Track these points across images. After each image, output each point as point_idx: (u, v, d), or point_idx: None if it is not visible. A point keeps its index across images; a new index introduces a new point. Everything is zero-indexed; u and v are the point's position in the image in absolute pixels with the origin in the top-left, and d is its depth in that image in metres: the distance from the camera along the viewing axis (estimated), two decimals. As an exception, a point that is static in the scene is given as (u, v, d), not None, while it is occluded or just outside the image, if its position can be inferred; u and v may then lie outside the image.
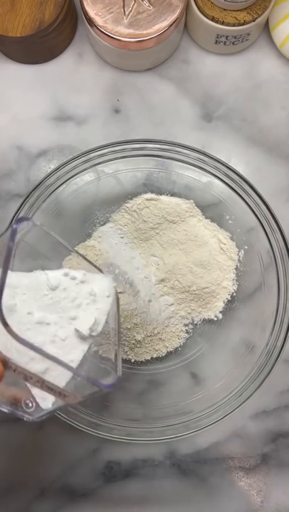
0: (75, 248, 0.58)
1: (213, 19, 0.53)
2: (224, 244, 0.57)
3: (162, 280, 0.57)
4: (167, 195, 0.58)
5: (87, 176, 0.56)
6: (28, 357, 0.36)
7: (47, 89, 0.61)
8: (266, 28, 0.59)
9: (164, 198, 0.57)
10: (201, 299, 0.57)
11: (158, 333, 0.57)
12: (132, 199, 0.58)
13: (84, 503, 0.60)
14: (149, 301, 0.57)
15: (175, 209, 0.57)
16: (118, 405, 0.56)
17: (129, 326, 0.55)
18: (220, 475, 0.60)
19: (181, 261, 0.57)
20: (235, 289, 0.57)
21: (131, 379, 0.58)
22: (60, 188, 0.55)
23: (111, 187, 0.58)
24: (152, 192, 0.58)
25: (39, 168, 0.61)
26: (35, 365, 0.36)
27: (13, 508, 0.60)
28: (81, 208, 0.58)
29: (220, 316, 0.58)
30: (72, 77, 0.61)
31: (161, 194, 0.58)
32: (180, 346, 0.58)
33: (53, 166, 0.61)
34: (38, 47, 0.57)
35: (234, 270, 0.57)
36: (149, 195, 0.57)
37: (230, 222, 0.57)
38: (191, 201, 0.57)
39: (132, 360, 0.57)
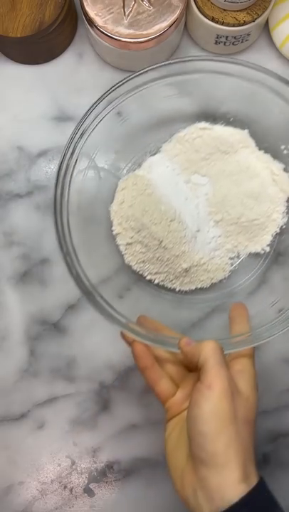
0: (125, 177, 0.58)
1: (213, 19, 0.53)
2: (277, 175, 0.56)
3: (211, 211, 0.57)
4: (221, 124, 0.57)
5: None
6: None
7: (47, 90, 0.61)
8: (266, 28, 0.59)
9: (217, 127, 0.56)
10: (249, 232, 0.56)
11: (204, 263, 0.56)
12: (184, 128, 0.57)
13: (84, 503, 0.60)
14: (197, 231, 0.56)
15: (228, 139, 0.56)
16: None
17: (177, 253, 0.55)
18: (220, 475, 0.60)
19: (232, 192, 0.56)
20: (285, 221, 0.57)
21: (180, 307, 0.58)
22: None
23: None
24: (206, 121, 0.57)
25: (39, 168, 0.61)
26: None
27: (13, 508, 0.60)
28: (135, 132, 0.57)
29: (267, 249, 0.57)
30: (73, 77, 0.61)
31: (215, 123, 0.57)
32: (224, 278, 0.58)
33: (53, 166, 0.61)
34: (38, 47, 0.57)
35: (285, 203, 0.56)
36: (202, 124, 0.56)
37: (285, 152, 0.56)
38: (246, 131, 0.56)
39: (177, 289, 0.57)
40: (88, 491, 0.60)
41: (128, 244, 0.56)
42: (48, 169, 0.61)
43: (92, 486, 0.60)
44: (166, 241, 0.54)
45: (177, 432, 0.43)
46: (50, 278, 0.59)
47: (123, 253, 0.57)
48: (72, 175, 0.50)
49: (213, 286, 0.58)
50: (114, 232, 0.57)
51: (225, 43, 0.56)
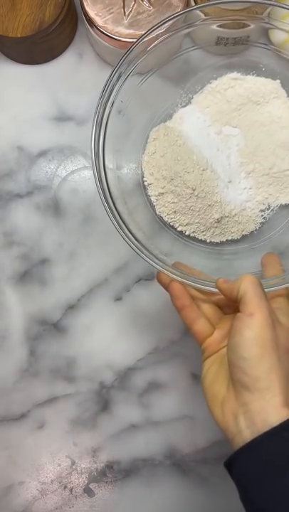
0: (155, 128, 0.57)
1: (213, 20, 0.53)
2: None
3: (243, 162, 0.57)
4: (253, 75, 0.57)
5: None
6: None
7: (47, 90, 0.61)
8: (266, 28, 0.59)
9: (249, 77, 0.57)
10: (280, 183, 0.56)
11: (235, 215, 0.56)
12: (216, 79, 0.57)
13: (84, 503, 0.60)
14: (229, 182, 0.56)
15: (260, 89, 0.56)
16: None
17: (209, 203, 0.55)
18: (220, 475, 0.60)
19: (264, 142, 0.56)
20: None
21: (209, 258, 0.58)
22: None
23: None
24: (238, 72, 0.57)
25: (39, 168, 0.61)
26: None
27: (13, 508, 0.60)
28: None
29: None
30: (73, 77, 0.61)
31: (246, 74, 0.57)
32: (255, 230, 0.58)
33: (53, 166, 0.61)
34: (39, 47, 0.57)
35: None
36: (234, 75, 0.56)
37: None
38: (278, 81, 0.56)
39: (208, 241, 0.57)
40: (88, 491, 0.60)
41: (160, 194, 0.56)
42: (48, 169, 0.61)
43: (92, 486, 0.60)
44: (199, 189, 0.54)
45: (216, 367, 0.44)
46: (50, 278, 0.59)
47: (154, 204, 0.57)
48: (108, 118, 0.50)
49: (243, 238, 0.58)
50: (145, 183, 0.57)
51: (225, 43, 0.56)
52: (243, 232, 0.57)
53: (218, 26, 0.54)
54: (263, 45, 0.58)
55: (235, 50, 0.59)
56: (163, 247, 0.56)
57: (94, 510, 0.60)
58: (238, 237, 0.57)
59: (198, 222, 0.56)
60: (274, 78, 0.57)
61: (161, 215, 0.57)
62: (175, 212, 0.56)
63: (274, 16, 0.57)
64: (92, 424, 0.60)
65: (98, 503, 0.60)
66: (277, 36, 0.58)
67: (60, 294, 0.59)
